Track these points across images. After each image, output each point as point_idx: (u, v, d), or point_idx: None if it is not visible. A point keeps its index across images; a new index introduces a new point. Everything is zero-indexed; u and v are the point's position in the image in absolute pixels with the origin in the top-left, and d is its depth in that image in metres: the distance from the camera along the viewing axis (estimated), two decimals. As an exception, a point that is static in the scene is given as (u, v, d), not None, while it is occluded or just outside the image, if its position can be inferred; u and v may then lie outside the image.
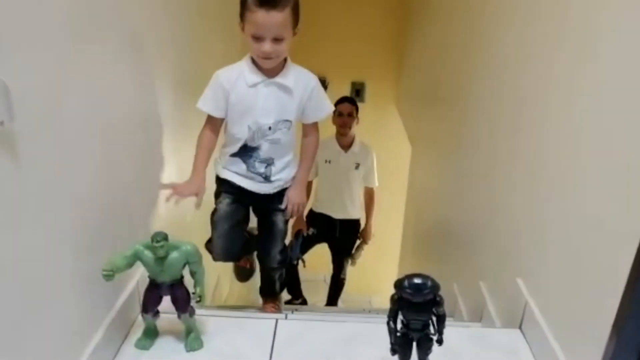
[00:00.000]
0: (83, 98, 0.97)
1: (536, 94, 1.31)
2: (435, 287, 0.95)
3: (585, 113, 1.05)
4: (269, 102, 1.46)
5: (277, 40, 1.35)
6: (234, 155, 1.54)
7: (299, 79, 1.49)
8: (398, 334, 0.99)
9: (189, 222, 1.75)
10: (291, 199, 1.63)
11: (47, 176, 0.86)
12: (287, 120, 1.50)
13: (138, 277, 1.26)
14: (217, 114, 1.47)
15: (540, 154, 1.26)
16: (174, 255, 1.08)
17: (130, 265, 1.06)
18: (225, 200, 1.60)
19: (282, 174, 1.58)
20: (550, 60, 1.23)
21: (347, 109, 2.96)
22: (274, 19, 1.31)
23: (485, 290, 1.60)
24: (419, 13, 3.47)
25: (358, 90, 4.37)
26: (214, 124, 1.50)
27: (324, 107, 1.59)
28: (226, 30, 2.19)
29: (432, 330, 0.98)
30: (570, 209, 1.10)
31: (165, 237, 1.05)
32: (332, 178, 3.11)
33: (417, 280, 0.95)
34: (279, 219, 1.67)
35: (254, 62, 1.44)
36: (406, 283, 0.94)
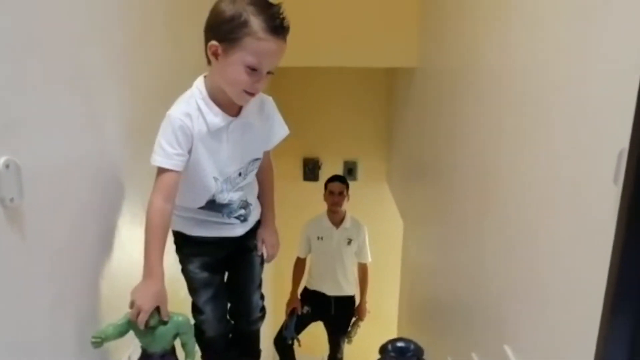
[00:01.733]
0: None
1: (511, 170, 1.41)
2: (418, 350, 0.98)
3: (555, 188, 1.13)
4: (236, 149, 1.26)
5: (268, 74, 1.16)
6: (201, 208, 1.32)
7: (254, 105, 1.27)
8: None
9: (183, 298, 1.78)
10: (268, 241, 1.46)
11: (52, 249, 0.92)
12: (256, 159, 1.34)
13: (131, 349, 1.28)
14: (182, 169, 1.18)
15: (518, 226, 1.32)
16: (165, 325, 1.11)
17: (122, 334, 1.09)
18: (196, 266, 1.40)
19: (257, 209, 1.43)
20: (525, 137, 1.34)
21: (338, 188, 3.07)
22: (281, 49, 1.14)
23: (477, 361, 1.61)
24: (406, 94, 3.67)
25: (350, 169, 4.50)
26: (171, 188, 1.17)
27: (279, 131, 1.36)
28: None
29: None
30: (545, 273, 1.15)
31: (157, 308, 1.09)
32: (325, 254, 3.15)
33: (400, 344, 0.98)
34: (255, 258, 1.48)
35: (210, 96, 1.20)
36: (390, 347, 0.98)
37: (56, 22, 0.92)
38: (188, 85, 1.37)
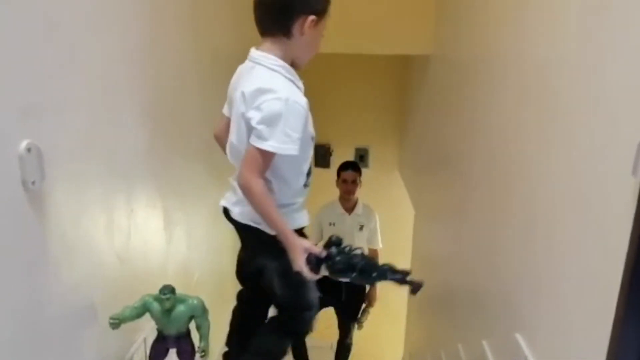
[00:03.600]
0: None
1: (527, 160, 1.40)
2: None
3: (570, 178, 1.13)
4: None
5: None
6: (299, 190, 1.36)
7: None
8: None
9: (196, 280, 1.81)
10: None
11: (70, 232, 0.94)
12: None
13: (147, 331, 1.31)
14: None
15: (533, 216, 1.32)
16: (180, 308, 1.13)
17: (139, 315, 1.11)
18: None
19: None
20: (543, 128, 1.33)
21: (351, 176, 3.07)
22: None
23: (488, 349, 1.61)
24: (420, 80, 3.64)
25: (362, 156, 4.49)
26: (267, 167, 1.23)
27: None
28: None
29: None
30: (558, 265, 1.15)
31: (172, 290, 1.11)
32: (337, 240, 3.16)
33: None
34: None
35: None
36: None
37: (75, 9, 0.93)
38: (206, 70, 1.37)
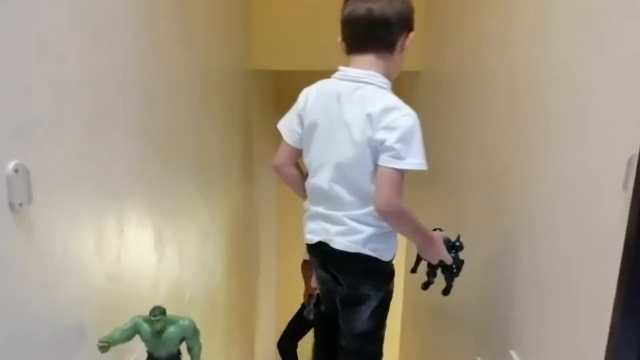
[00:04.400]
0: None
1: (519, 174, 1.40)
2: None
3: (563, 192, 1.13)
4: None
5: None
6: None
7: None
8: None
9: (187, 300, 1.78)
10: None
11: (59, 253, 0.92)
12: None
13: (138, 353, 1.28)
14: None
15: (526, 230, 1.32)
16: (171, 329, 1.11)
17: (129, 337, 1.08)
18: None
19: None
20: (535, 143, 1.34)
21: None
22: None
23: (483, 365, 1.60)
24: (409, 96, 3.62)
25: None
26: None
27: None
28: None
29: None
30: (551, 280, 1.15)
31: (163, 312, 1.09)
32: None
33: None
34: None
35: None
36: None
37: (64, 26, 0.92)
38: (197, 87, 1.36)
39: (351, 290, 1.37)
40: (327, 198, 1.33)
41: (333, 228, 1.33)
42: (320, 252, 1.36)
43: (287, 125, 1.41)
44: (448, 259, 1.36)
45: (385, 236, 1.34)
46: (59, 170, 0.92)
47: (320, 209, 1.35)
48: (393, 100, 1.25)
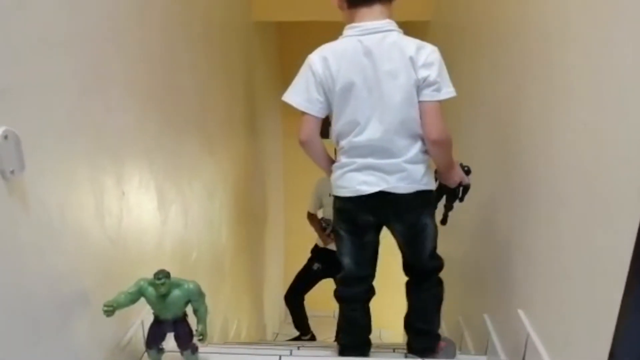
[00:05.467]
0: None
1: (530, 132, 1.35)
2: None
3: (568, 151, 1.08)
4: None
5: None
6: None
7: None
8: None
9: (194, 260, 1.78)
10: None
11: (56, 218, 0.90)
12: None
13: (144, 314, 1.28)
14: None
15: (537, 193, 1.28)
16: (175, 293, 1.11)
17: (133, 301, 1.08)
18: None
19: None
20: (547, 105, 1.28)
21: None
22: None
23: (489, 323, 1.60)
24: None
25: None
26: None
27: None
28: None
29: None
30: (562, 239, 1.12)
31: (167, 275, 1.08)
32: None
33: None
34: None
35: None
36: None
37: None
38: (197, 40, 1.30)
39: (413, 225, 1.48)
40: (379, 149, 1.38)
41: (391, 177, 1.39)
42: (376, 201, 1.40)
43: (304, 97, 1.39)
44: (465, 180, 1.52)
45: (429, 168, 1.45)
46: (52, 133, 0.88)
47: (370, 160, 1.39)
48: (416, 40, 1.37)
